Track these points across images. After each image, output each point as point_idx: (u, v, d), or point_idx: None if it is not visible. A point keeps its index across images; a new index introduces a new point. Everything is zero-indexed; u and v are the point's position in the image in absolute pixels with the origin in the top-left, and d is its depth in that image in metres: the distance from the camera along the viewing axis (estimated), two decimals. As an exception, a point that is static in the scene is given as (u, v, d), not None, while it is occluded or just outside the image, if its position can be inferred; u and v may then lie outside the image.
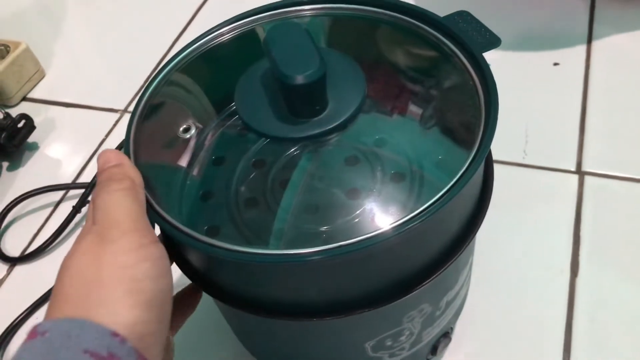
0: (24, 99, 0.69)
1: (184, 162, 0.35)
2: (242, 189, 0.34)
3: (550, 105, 0.58)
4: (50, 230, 0.56)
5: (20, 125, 0.61)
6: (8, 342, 0.50)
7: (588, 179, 0.53)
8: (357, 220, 0.31)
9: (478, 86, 0.32)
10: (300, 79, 0.29)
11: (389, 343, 0.36)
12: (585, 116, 0.57)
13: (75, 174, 0.61)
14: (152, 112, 0.35)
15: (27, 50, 0.68)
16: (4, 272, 0.55)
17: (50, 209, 0.59)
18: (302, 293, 0.31)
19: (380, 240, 0.27)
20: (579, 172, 0.53)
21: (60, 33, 0.77)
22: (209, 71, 0.39)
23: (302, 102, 0.31)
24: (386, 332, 0.35)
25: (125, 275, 0.26)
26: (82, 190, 0.57)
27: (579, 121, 0.57)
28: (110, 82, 0.69)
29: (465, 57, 0.33)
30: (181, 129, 0.35)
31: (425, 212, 0.28)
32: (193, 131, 0.35)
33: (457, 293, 0.38)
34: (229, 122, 0.36)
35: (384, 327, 0.34)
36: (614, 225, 0.50)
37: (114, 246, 0.27)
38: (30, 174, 0.62)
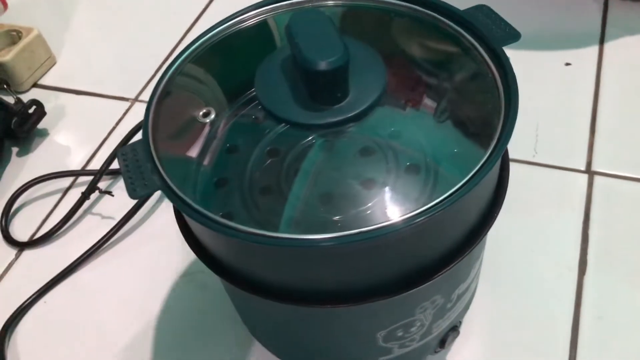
0: (35, 85, 0.69)
1: (198, 149, 0.35)
2: (257, 176, 0.34)
3: (561, 105, 0.58)
4: (59, 216, 0.56)
5: (31, 111, 0.61)
6: (15, 325, 0.50)
7: (597, 179, 0.53)
8: (369, 211, 0.31)
9: (498, 80, 0.32)
10: (324, 65, 0.29)
11: (400, 334, 0.36)
12: (596, 116, 0.57)
13: (84, 162, 0.61)
14: (168, 99, 0.35)
15: (39, 36, 0.68)
16: (13, 257, 0.55)
17: (59, 195, 0.59)
18: (313, 279, 0.31)
19: (390, 231, 0.27)
20: (589, 171, 0.53)
21: (73, 20, 0.77)
22: (225, 60, 0.38)
23: (325, 88, 0.31)
24: (399, 323, 0.35)
25: None
26: (91, 177, 0.58)
27: (589, 121, 0.57)
28: (122, 71, 0.69)
29: (484, 50, 0.33)
30: (200, 113, 0.35)
31: (438, 205, 0.28)
32: (213, 116, 0.35)
33: (468, 286, 0.38)
34: (244, 111, 0.36)
35: (396, 317, 0.34)
36: (622, 225, 0.50)
37: None
38: (39, 160, 0.62)
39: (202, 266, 0.33)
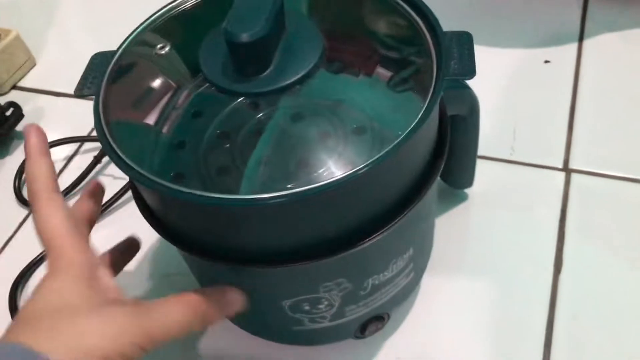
0: (14, 87, 0.69)
1: (152, 118, 0.35)
2: (207, 144, 0.34)
3: (539, 103, 0.58)
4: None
5: (8, 113, 0.61)
6: (27, 280, 0.53)
7: (574, 177, 0.53)
8: (316, 174, 0.31)
9: (425, 33, 0.34)
10: (241, 37, 0.30)
11: (306, 307, 0.36)
12: (574, 114, 0.57)
13: (64, 162, 0.61)
14: (124, 72, 0.36)
15: (18, 38, 0.68)
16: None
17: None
18: (216, 235, 0.33)
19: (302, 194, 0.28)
20: (566, 169, 0.53)
21: (53, 22, 0.77)
22: (182, 32, 0.39)
23: (243, 59, 0.32)
24: (302, 296, 0.35)
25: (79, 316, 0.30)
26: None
27: (567, 119, 0.57)
28: (101, 72, 0.69)
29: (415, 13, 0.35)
30: (155, 83, 0.36)
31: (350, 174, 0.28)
32: (169, 85, 0.36)
33: (390, 281, 0.38)
34: (197, 82, 0.36)
35: (298, 290, 0.35)
36: (598, 223, 0.50)
37: (59, 283, 0.31)
38: (17, 163, 0.61)
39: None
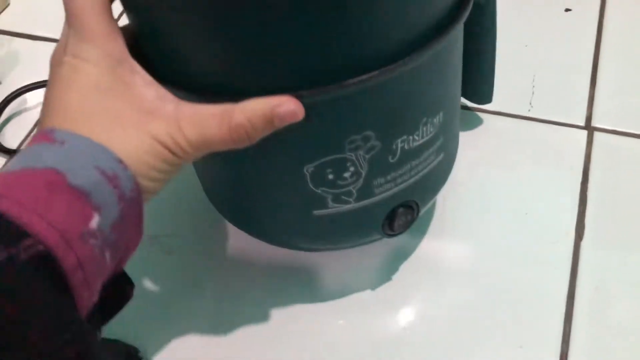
0: (-15, 29, 0.63)
1: None
2: None
3: (560, 55, 0.54)
4: None
5: (-22, 56, 0.56)
6: None
7: (597, 135, 0.49)
8: None
9: None
10: None
11: (330, 176, 0.33)
12: (597, 67, 0.53)
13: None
14: None
15: (-12, -26, 0.62)
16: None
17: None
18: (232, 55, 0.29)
19: None
20: (588, 127, 0.49)
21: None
22: None
23: None
24: (326, 157, 0.32)
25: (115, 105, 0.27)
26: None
27: (590, 72, 0.52)
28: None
29: None
30: None
31: None
32: None
33: (420, 150, 0.35)
34: None
35: (322, 147, 0.32)
36: (623, 185, 0.46)
37: (91, 69, 0.27)
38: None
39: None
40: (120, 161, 0.26)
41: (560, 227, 0.44)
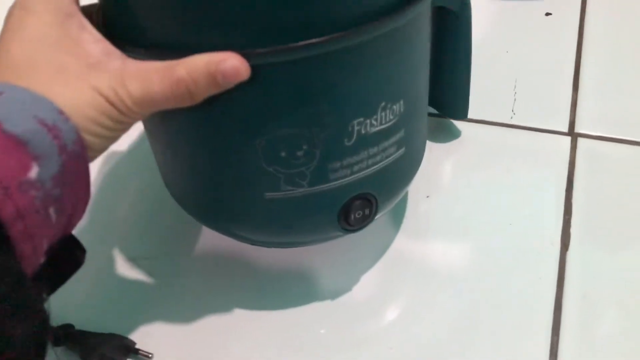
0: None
1: None
2: None
3: (541, 59, 0.53)
4: None
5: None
6: None
7: (581, 142, 0.48)
8: None
9: None
10: None
11: (283, 153, 0.32)
12: (580, 72, 0.52)
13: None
14: None
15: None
16: None
17: None
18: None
19: None
20: (572, 133, 0.49)
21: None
22: None
23: None
24: (279, 129, 0.32)
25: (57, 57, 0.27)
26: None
27: (572, 77, 0.52)
28: None
29: None
30: None
31: None
32: None
33: (377, 138, 0.34)
34: None
35: (274, 117, 0.31)
36: (608, 192, 0.45)
37: (37, 21, 0.27)
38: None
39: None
40: (60, 112, 0.26)
41: (546, 237, 0.44)
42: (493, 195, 0.46)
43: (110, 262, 0.46)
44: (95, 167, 0.50)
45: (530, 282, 0.42)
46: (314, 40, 0.28)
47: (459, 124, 0.50)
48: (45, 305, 0.25)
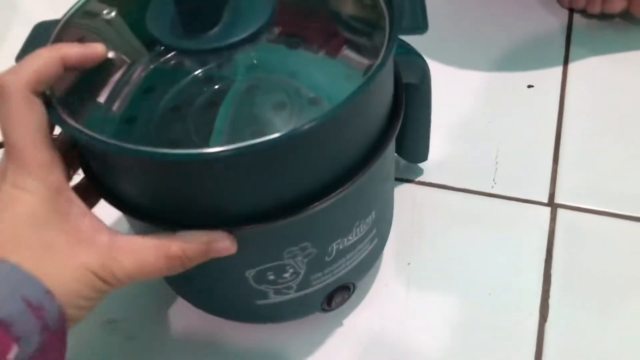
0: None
1: (100, 93, 0.33)
2: (160, 118, 0.33)
3: (523, 130, 0.54)
4: None
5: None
6: None
7: (561, 212, 0.48)
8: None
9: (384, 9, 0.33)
10: None
11: (271, 277, 0.35)
12: (560, 143, 0.53)
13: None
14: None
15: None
16: None
17: None
18: (161, 194, 0.31)
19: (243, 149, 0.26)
20: (552, 204, 0.49)
21: None
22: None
23: (190, 13, 0.31)
24: (266, 264, 0.34)
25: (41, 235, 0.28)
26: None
27: (552, 148, 0.53)
28: None
29: None
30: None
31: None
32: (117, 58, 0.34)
33: (354, 246, 0.37)
34: (148, 57, 0.34)
35: (262, 257, 0.34)
36: (587, 263, 0.45)
37: (28, 199, 0.28)
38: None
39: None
40: (48, 292, 0.26)
41: (524, 308, 0.44)
42: (473, 264, 0.46)
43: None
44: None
45: (509, 354, 0.42)
46: (292, 219, 0.31)
47: (440, 192, 0.51)
48: None
